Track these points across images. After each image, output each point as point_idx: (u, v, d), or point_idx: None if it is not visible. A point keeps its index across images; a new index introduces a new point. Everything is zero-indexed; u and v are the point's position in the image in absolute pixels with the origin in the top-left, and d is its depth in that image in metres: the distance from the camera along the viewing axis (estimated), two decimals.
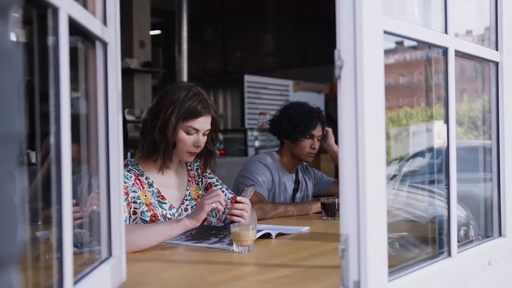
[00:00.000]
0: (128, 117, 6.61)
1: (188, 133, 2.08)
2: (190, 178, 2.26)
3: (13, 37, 0.52)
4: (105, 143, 1.28)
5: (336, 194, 2.82)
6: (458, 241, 1.45)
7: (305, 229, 2.23)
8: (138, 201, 2.04)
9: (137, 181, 2.07)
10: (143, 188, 2.09)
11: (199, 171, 2.30)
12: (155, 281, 1.49)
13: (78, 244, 1.26)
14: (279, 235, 2.06)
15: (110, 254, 1.29)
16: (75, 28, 1.04)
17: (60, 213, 0.95)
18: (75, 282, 1.02)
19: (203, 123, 2.09)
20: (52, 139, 0.96)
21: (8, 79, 0.48)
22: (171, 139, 2.06)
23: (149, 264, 1.68)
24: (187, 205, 2.21)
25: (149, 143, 2.10)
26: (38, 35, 0.99)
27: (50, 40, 0.95)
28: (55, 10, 0.94)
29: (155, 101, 2.16)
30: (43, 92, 0.96)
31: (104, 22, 1.27)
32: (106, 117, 1.28)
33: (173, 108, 2.05)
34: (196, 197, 2.25)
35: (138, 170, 2.11)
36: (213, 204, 1.90)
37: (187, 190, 2.23)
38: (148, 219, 2.04)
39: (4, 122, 0.49)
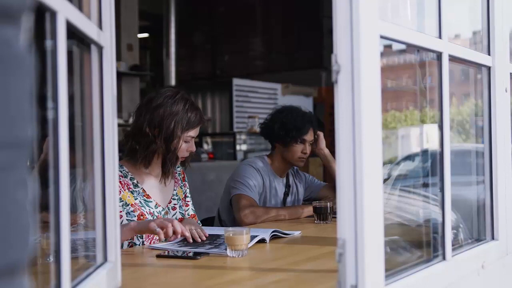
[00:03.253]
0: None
1: (186, 141, 2.18)
2: (176, 180, 2.34)
3: (23, 42, 0.51)
4: (100, 147, 1.27)
5: (327, 198, 2.82)
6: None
7: (297, 233, 2.23)
8: (121, 203, 2.05)
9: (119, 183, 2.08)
10: (127, 189, 2.12)
11: (181, 176, 2.38)
12: (150, 286, 1.48)
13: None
14: (273, 238, 2.06)
15: (105, 259, 1.28)
16: (71, 32, 1.04)
17: (57, 218, 0.94)
18: None
19: (198, 130, 2.22)
20: (49, 143, 0.95)
21: (21, 84, 0.48)
22: (177, 150, 2.14)
23: (144, 269, 1.67)
24: (174, 204, 2.28)
25: (151, 153, 2.13)
26: (34, 39, 0.98)
27: (48, 43, 0.95)
28: (53, 14, 0.93)
29: (148, 109, 2.14)
30: (39, 95, 0.95)
31: (100, 26, 1.26)
32: (102, 121, 1.27)
33: (175, 121, 2.11)
34: (181, 198, 2.33)
35: (121, 172, 2.12)
36: (157, 229, 1.84)
37: (174, 190, 2.30)
38: (136, 218, 2.09)
39: (17, 128, 0.49)
